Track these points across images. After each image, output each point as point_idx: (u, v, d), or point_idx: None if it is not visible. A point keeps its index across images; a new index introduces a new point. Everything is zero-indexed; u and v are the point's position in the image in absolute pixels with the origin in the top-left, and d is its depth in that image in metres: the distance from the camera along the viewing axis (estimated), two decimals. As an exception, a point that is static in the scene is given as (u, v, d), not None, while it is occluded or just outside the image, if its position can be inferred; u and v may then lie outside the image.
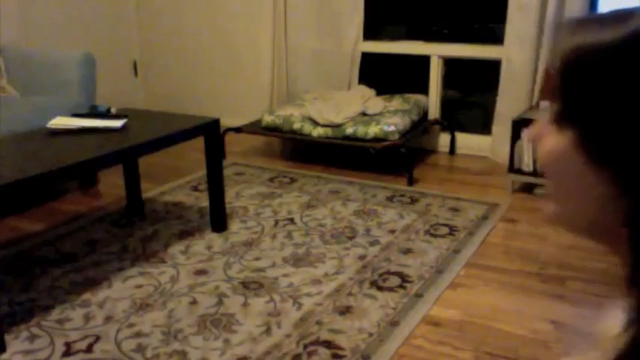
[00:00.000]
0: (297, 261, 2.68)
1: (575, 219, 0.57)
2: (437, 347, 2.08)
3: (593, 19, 0.54)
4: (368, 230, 2.98)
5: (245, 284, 2.49)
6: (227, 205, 3.07)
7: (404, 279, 2.52)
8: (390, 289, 2.44)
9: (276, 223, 3.09)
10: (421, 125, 4.02)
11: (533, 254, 2.74)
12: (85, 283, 2.52)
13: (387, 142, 3.64)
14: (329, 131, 3.80)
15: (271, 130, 4.00)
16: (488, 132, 4.09)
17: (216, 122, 2.87)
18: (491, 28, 4.19)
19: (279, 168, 3.94)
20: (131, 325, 2.21)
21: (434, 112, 4.24)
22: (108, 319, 2.26)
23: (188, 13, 4.89)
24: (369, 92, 4.21)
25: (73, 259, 2.72)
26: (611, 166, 0.51)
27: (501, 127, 3.85)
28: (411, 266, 2.62)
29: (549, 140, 0.56)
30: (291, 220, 3.11)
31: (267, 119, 4.00)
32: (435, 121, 4.24)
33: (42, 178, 2.17)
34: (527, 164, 3.39)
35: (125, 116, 2.83)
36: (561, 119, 0.55)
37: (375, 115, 3.86)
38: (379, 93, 4.25)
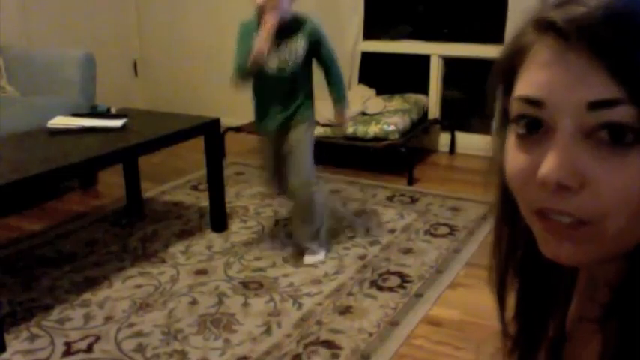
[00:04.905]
0: (297, 261, 2.68)
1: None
2: (437, 347, 2.08)
3: None
4: (368, 230, 2.98)
5: (245, 284, 2.49)
6: (227, 205, 3.06)
7: (404, 279, 2.52)
8: (390, 289, 2.44)
9: (276, 222, 3.09)
10: (421, 125, 4.02)
11: (533, 254, 2.74)
12: (85, 283, 2.52)
13: (387, 142, 3.63)
14: (329, 131, 3.80)
15: (271, 130, 3.99)
16: (488, 132, 4.07)
17: (216, 122, 2.87)
18: (491, 27, 4.19)
19: (279, 168, 3.93)
20: (131, 325, 2.21)
21: (434, 111, 4.24)
22: (108, 318, 2.26)
23: (188, 13, 4.89)
24: (369, 92, 4.20)
25: (73, 259, 2.72)
26: None
27: (501, 127, 3.85)
28: (411, 266, 2.62)
29: None
30: (291, 220, 3.11)
31: (267, 119, 3.99)
32: (435, 121, 4.24)
33: (42, 178, 2.17)
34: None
35: (125, 116, 2.83)
36: None
37: (375, 114, 3.86)
38: (379, 93, 4.24)
